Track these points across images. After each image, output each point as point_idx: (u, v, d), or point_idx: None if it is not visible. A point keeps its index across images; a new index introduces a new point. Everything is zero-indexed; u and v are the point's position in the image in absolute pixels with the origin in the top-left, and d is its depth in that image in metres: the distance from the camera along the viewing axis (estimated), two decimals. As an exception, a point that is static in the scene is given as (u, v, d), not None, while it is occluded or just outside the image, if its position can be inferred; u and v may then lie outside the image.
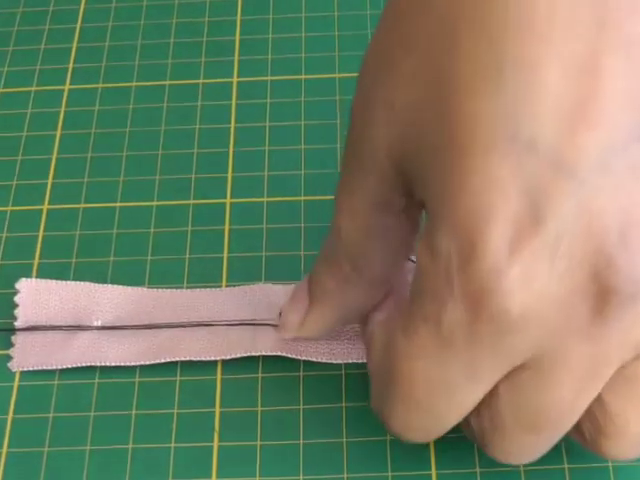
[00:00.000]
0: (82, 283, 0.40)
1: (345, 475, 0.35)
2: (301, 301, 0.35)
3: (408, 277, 0.35)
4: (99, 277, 0.41)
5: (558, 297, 0.27)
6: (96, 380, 0.38)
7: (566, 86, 0.26)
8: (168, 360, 0.37)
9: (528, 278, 0.26)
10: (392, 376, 0.30)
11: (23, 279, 0.40)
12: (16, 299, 0.39)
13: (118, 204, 0.43)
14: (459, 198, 0.27)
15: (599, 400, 0.30)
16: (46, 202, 0.43)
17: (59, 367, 0.38)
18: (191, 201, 0.43)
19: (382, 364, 0.31)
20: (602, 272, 0.26)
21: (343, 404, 0.37)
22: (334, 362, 0.37)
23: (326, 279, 0.34)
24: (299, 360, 0.38)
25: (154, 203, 0.43)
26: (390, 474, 0.35)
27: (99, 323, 0.39)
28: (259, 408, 0.37)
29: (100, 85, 0.47)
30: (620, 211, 0.26)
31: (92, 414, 0.37)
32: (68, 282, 0.40)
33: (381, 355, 0.32)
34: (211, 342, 0.38)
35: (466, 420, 0.31)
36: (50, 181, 0.44)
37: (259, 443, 0.36)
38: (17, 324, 0.39)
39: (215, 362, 0.38)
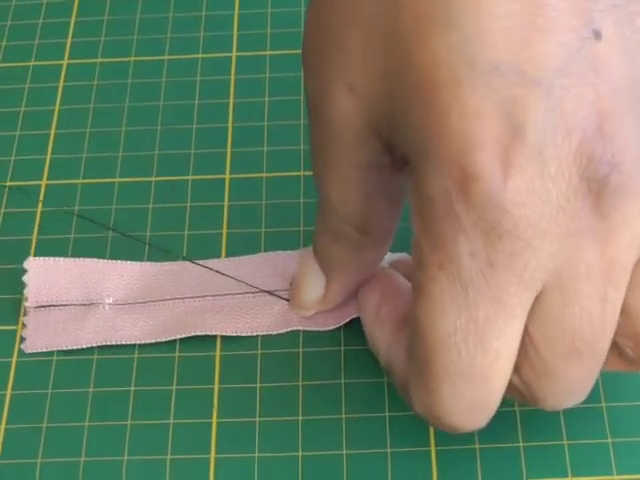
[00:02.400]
0: (90, 259, 0.39)
1: (344, 452, 0.35)
2: (313, 276, 0.36)
3: None
4: (98, 252, 0.40)
5: (558, 201, 0.27)
6: (95, 356, 0.38)
7: (511, 4, 0.27)
8: (185, 335, 0.37)
9: (526, 187, 0.27)
10: (424, 348, 0.30)
11: (31, 258, 0.39)
12: (24, 278, 0.39)
13: (117, 180, 0.43)
14: (441, 137, 0.28)
15: (626, 309, 0.30)
16: (45, 178, 0.43)
17: (73, 347, 0.38)
18: (190, 176, 0.43)
19: (407, 348, 0.31)
20: (589, 168, 0.27)
21: (342, 380, 0.37)
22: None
23: (336, 251, 0.35)
24: (298, 336, 0.38)
25: (153, 179, 0.43)
26: (389, 450, 0.35)
27: (110, 300, 0.38)
28: (258, 384, 0.37)
29: (98, 60, 0.47)
30: (591, 106, 0.27)
31: (91, 390, 0.37)
32: (76, 259, 0.39)
33: (393, 340, 0.33)
34: (227, 317, 0.38)
35: (510, 388, 0.31)
36: (49, 157, 0.44)
37: (258, 419, 0.36)
38: (27, 304, 0.39)
39: (214, 338, 0.38)
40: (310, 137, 0.33)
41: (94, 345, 0.38)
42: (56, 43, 0.48)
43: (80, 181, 0.43)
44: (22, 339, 0.38)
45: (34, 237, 0.41)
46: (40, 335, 0.38)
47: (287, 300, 0.38)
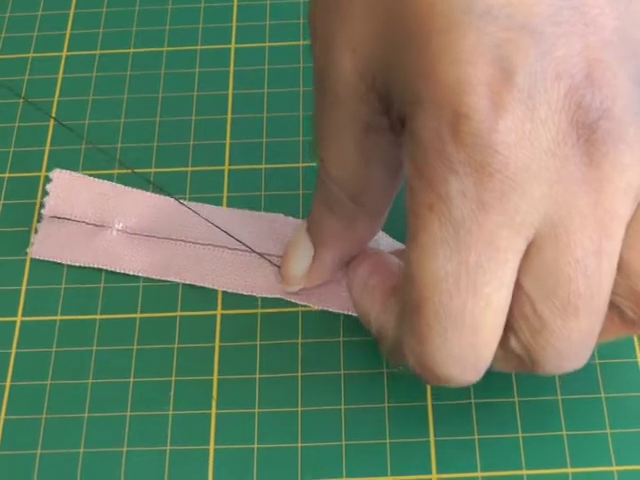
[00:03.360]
0: (113, 184, 0.41)
1: (343, 407, 0.36)
2: (302, 248, 0.37)
3: None
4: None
5: (548, 145, 0.28)
6: (97, 316, 0.38)
7: None
8: (177, 280, 0.39)
9: (516, 129, 0.28)
10: (416, 292, 0.30)
11: (57, 170, 0.41)
12: (47, 187, 0.41)
13: (115, 171, 0.43)
14: (435, 81, 0.28)
15: (624, 266, 0.30)
16: (43, 169, 0.43)
17: (74, 264, 0.39)
18: (189, 168, 0.43)
19: (399, 301, 0.32)
20: (578, 113, 0.28)
21: (341, 339, 0.37)
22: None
23: (329, 220, 0.35)
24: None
25: (152, 170, 0.43)
26: (387, 405, 0.36)
27: (120, 226, 0.40)
28: (258, 342, 0.37)
29: (98, 52, 0.47)
30: (580, 54, 0.28)
31: (94, 349, 0.38)
32: (99, 180, 0.41)
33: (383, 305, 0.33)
34: (222, 270, 0.39)
35: (509, 355, 0.31)
36: (48, 149, 0.44)
37: (258, 376, 0.37)
38: (43, 212, 0.40)
39: (215, 297, 0.39)
40: (314, 103, 0.33)
41: (94, 266, 0.39)
42: (55, 35, 0.48)
43: (79, 172, 0.43)
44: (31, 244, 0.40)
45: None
46: (48, 244, 0.40)
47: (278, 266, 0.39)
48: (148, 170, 0.43)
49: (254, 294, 0.38)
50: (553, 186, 0.28)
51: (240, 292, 0.38)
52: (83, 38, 0.47)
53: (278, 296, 0.38)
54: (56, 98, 0.45)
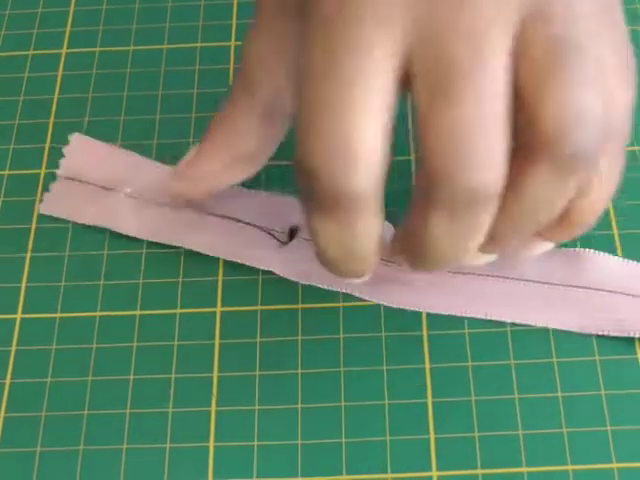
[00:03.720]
0: (129, 153, 0.42)
1: (343, 403, 0.35)
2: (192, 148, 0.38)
3: None
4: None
5: None
6: (97, 313, 0.38)
7: None
8: (180, 244, 0.39)
9: None
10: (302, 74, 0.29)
11: (76, 134, 0.43)
12: (64, 150, 0.42)
13: (116, 169, 0.43)
14: None
15: (519, 92, 0.29)
16: (44, 167, 0.43)
17: (79, 221, 0.40)
18: (189, 165, 0.43)
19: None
20: None
21: (341, 335, 0.37)
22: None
23: (223, 108, 0.36)
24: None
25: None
26: (387, 402, 0.35)
27: (129, 191, 0.41)
28: (258, 339, 0.38)
29: (97, 49, 0.47)
30: None
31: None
32: (117, 148, 0.42)
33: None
34: (223, 239, 0.39)
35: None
36: (47, 146, 0.44)
37: (258, 373, 0.37)
38: (58, 172, 0.42)
39: (215, 294, 0.39)
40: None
41: (97, 225, 0.40)
42: (55, 32, 0.48)
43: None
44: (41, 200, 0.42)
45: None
46: (57, 202, 0.41)
47: (281, 241, 0.39)
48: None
49: (252, 265, 0.39)
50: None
51: (243, 262, 0.39)
52: (83, 36, 0.47)
53: (268, 269, 0.39)
54: (56, 95, 0.45)
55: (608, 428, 0.35)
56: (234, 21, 0.47)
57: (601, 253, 0.38)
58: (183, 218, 0.40)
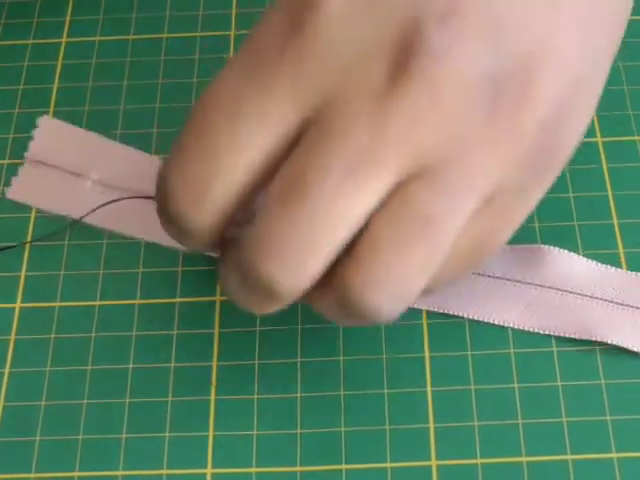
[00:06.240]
0: (99, 135, 0.42)
1: (342, 393, 0.35)
2: None
3: None
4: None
5: (365, 35, 0.28)
6: (96, 302, 0.38)
7: None
8: (149, 239, 0.39)
9: None
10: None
11: (45, 116, 0.43)
12: (33, 132, 0.42)
13: (115, 158, 0.43)
14: None
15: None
16: (43, 156, 0.43)
17: (47, 210, 0.40)
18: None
19: None
20: (409, 35, 0.28)
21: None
22: None
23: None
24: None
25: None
26: (386, 392, 0.36)
27: (96, 177, 0.41)
28: (257, 328, 0.38)
29: (98, 38, 0.47)
30: None
31: (93, 335, 0.38)
32: (85, 130, 0.42)
33: None
34: None
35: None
36: (47, 135, 0.44)
37: (257, 362, 0.37)
38: (26, 155, 0.42)
39: (215, 283, 0.39)
40: None
41: (64, 214, 0.40)
42: (55, 21, 0.48)
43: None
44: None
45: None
46: (25, 187, 0.41)
47: None
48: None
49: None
50: (346, 79, 0.28)
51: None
52: (83, 25, 0.47)
53: None
54: (55, 85, 0.45)
55: (608, 418, 0.35)
56: (234, 10, 0.47)
57: (565, 251, 0.38)
58: (147, 209, 0.40)
